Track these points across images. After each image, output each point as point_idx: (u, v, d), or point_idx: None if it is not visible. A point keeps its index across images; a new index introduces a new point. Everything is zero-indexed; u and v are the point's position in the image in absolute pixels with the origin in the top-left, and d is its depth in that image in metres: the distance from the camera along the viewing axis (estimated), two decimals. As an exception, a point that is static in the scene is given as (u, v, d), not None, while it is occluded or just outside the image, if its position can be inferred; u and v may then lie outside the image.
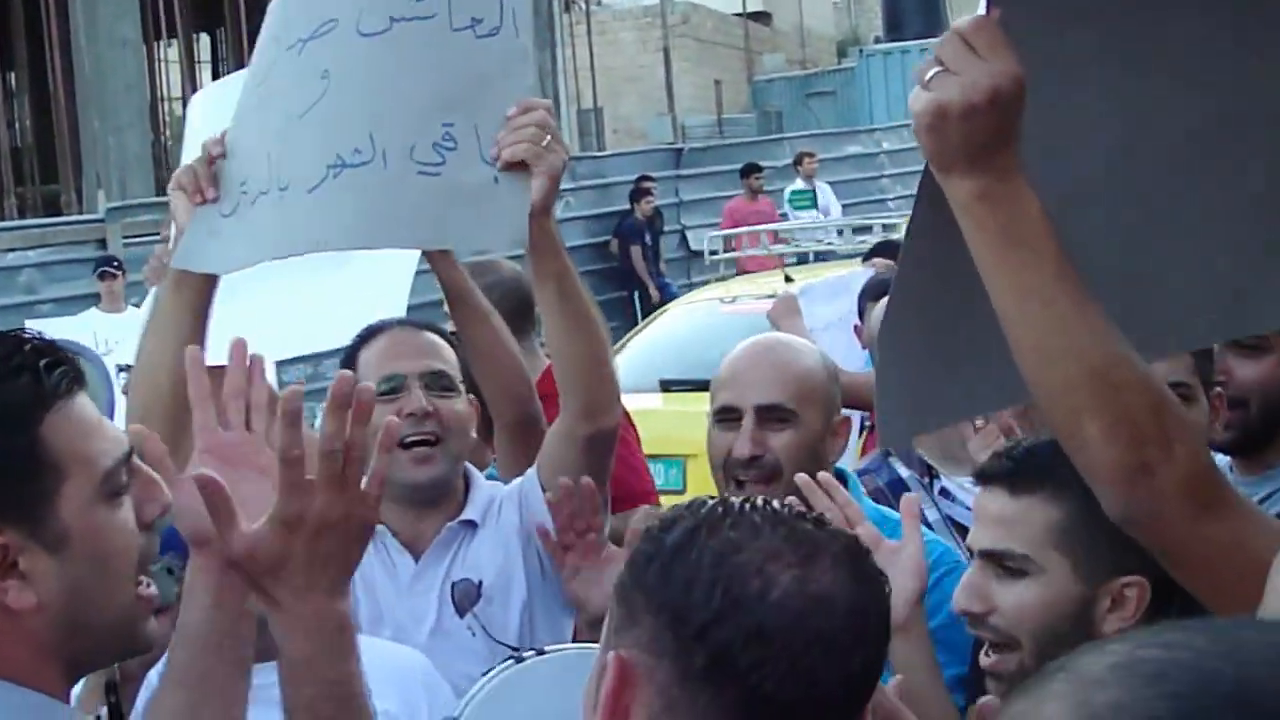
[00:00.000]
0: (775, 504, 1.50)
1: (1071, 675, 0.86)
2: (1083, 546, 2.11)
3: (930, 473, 3.56)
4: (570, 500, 2.96)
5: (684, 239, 20.41)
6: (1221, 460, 2.86)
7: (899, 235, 12.33)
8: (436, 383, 3.15)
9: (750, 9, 36.39)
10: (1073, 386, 1.75)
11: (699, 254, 20.40)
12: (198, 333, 2.64)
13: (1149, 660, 0.85)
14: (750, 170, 18.69)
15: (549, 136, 2.65)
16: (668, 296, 16.35)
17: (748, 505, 1.48)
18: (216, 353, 2.08)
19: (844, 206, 19.48)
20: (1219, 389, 2.79)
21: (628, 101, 32.47)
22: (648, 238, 18.48)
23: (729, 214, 18.35)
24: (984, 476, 2.25)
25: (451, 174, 2.67)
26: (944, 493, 3.50)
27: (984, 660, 2.21)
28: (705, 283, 19.50)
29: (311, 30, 2.71)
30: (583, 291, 2.85)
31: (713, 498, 1.51)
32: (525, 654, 2.63)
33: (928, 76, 1.75)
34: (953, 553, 2.87)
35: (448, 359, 3.22)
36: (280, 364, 5.17)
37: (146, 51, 20.82)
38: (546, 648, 2.69)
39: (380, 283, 3.93)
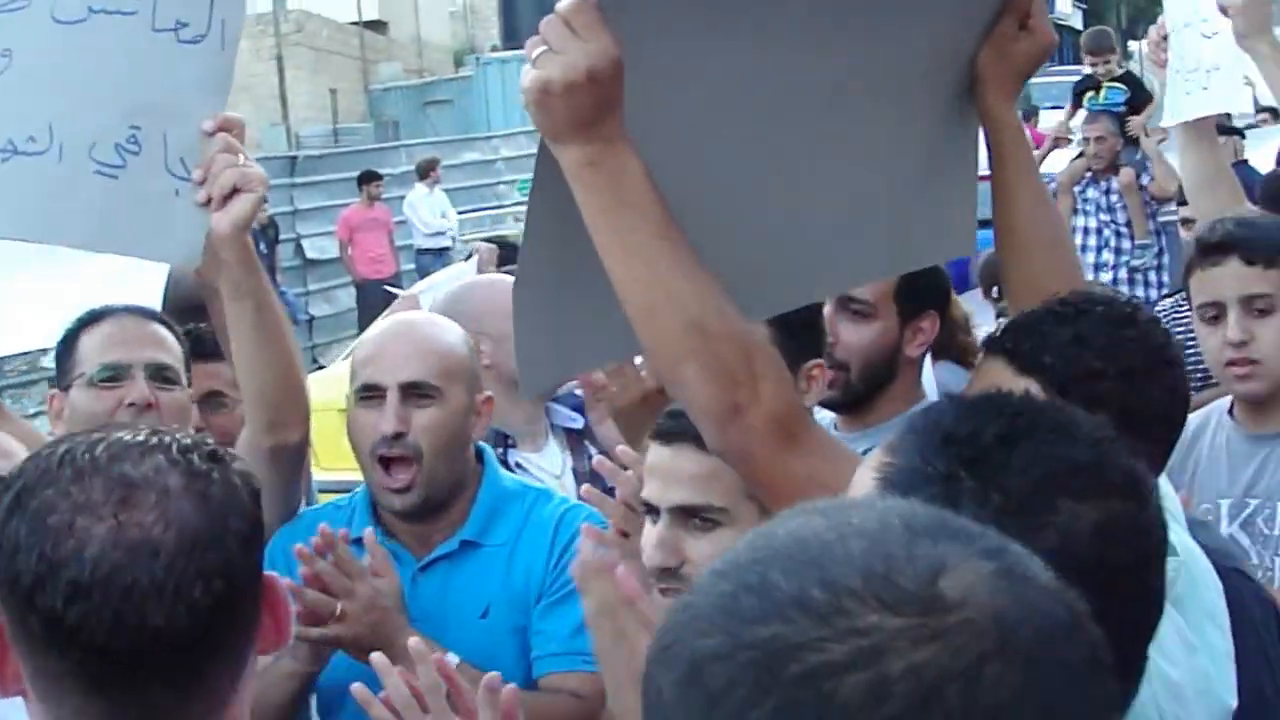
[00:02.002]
0: (111, 444, 1.50)
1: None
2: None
3: (506, 442, 3.65)
4: None
5: (299, 247, 20.27)
6: (828, 418, 3.03)
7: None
8: (159, 374, 3.06)
9: (366, 18, 36.25)
10: (674, 336, 1.88)
11: (316, 262, 20.29)
12: None
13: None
14: (368, 178, 18.66)
15: (242, 155, 2.60)
16: (284, 305, 16.14)
17: (77, 453, 1.48)
18: None
19: (460, 213, 19.69)
20: (828, 351, 2.88)
21: (241, 110, 31.18)
22: (262, 246, 18.22)
23: (344, 222, 18.33)
24: (668, 435, 2.28)
25: (131, 178, 2.57)
26: (519, 465, 3.59)
27: None
28: (323, 291, 19.62)
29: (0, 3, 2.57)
30: (277, 306, 2.78)
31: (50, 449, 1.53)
32: None
33: (534, 55, 1.86)
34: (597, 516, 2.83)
35: (172, 350, 3.12)
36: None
37: None
38: None
39: (128, 284, 3.60)
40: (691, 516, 2.24)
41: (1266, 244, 3.06)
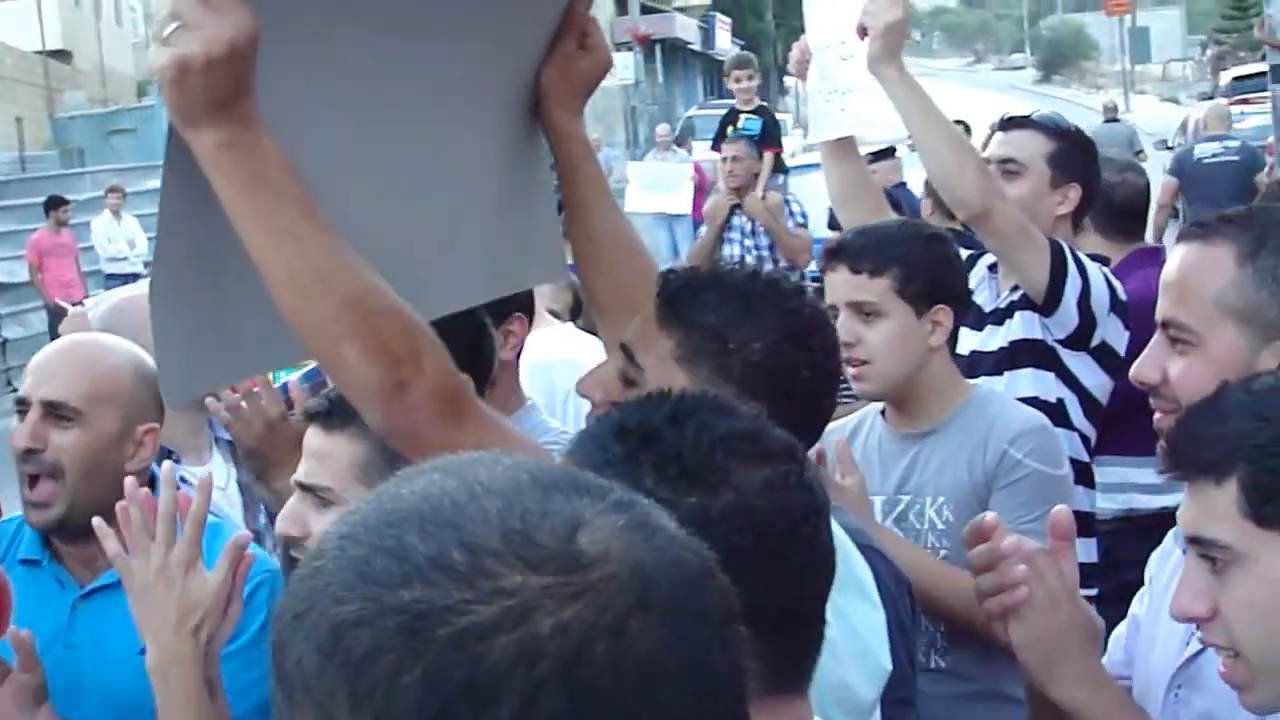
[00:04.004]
0: None
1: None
2: (380, 479, 2.52)
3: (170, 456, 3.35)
4: None
5: (-13, 271, 20.31)
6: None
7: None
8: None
9: (50, 47, 35.66)
10: (330, 317, 1.79)
11: (7, 286, 20.33)
12: None
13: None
14: (55, 204, 18.91)
15: None
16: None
17: None
18: None
19: (150, 238, 20.08)
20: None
21: (-78, 137, 31.18)
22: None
23: (33, 246, 18.61)
24: (307, 414, 2.38)
25: None
26: (183, 479, 3.48)
27: None
28: (16, 314, 19.58)
29: None
30: None
31: None
32: None
33: (166, 33, 1.73)
34: (267, 562, 2.75)
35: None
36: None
37: None
38: None
39: None
40: (312, 493, 2.34)
41: (872, 254, 3.14)
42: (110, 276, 19.26)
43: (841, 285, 3.16)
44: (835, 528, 2.06)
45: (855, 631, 1.96)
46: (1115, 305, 3.62)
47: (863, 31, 3.67)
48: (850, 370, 3.15)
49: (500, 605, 0.89)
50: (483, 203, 2.31)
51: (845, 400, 3.19)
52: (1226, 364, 2.04)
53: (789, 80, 52.49)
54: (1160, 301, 2.18)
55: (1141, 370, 2.19)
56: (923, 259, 3.17)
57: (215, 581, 2.24)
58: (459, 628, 0.89)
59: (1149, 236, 11.96)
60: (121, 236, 19.77)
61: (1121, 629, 2.25)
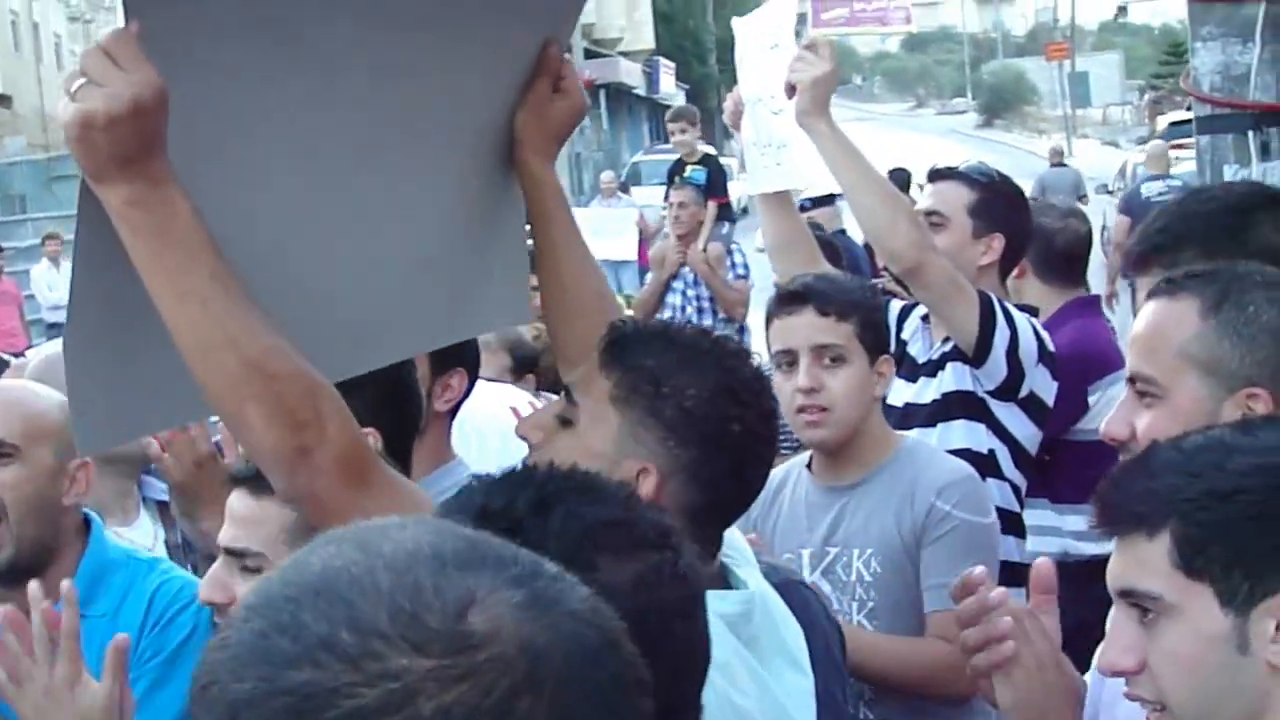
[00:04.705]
0: None
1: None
2: (306, 541, 2.61)
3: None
4: None
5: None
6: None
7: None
8: None
9: (-10, 92, 35.59)
10: (234, 379, 1.79)
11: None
12: None
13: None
14: (-7, 251, 18.83)
15: None
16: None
17: None
18: None
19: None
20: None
21: None
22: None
23: (-30, 293, 18.49)
24: (231, 478, 2.36)
25: None
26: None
27: None
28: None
29: None
30: None
31: None
32: None
33: (73, 88, 1.75)
34: (193, 586, 2.80)
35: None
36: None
37: None
38: None
39: None
40: (239, 558, 2.30)
41: (840, 298, 3.16)
42: (52, 326, 19.11)
43: (806, 328, 3.16)
44: (767, 590, 2.07)
45: (777, 702, 1.95)
46: (1043, 356, 3.65)
47: (790, 89, 3.69)
48: (805, 418, 3.16)
49: (385, 688, 0.90)
50: (448, 246, 2.30)
51: (785, 452, 3.21)
52: (1191, 415, 2.06)
53: (733, 124, 52.64)
54: (1129, 358, 2.22)
55: (1111, 427, 2.21)
56: (875, 309, 3.25)
57: (103, 692, 2.24)
58: (344, 710, 0.90)
59: (1105, 277, 12.16)
60: (61, 284, 19.58)
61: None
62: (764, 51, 3.98)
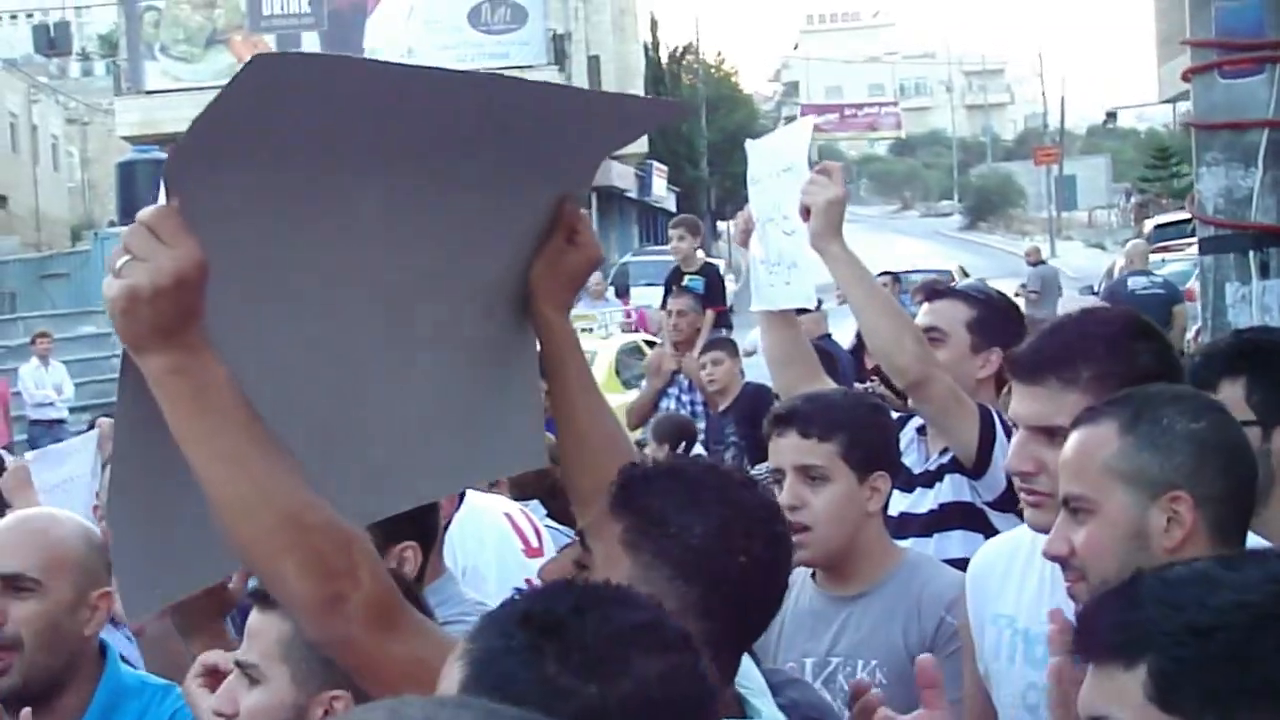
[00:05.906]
0: None
1: None
2: (302, 659, 2.36)
3: None
4: None
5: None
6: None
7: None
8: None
9: (-17, 191, 35.76)
10: (269, 533, 1.85)
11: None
12: None
13: None
14: (-19, 350, 18.85)
15: None
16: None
17: None
18: None
19: (77, 384, 19.99)
20: None
21: None
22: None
23: (-37, 391, 18.51)
24: (250, 594, 2.45)
25: None
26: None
27: None
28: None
29: None
30: None
31: None
32: None
33: (118, 265, 1.82)
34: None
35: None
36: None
37: None
38: None
39: None
40: (245, 669, 2.42)
41: (821, 420, 3.25)
42: (35, 423, 19.15)
43: (790, 449, 3.26)
44: (770, 715, 2.09)
45: None
46: None
47: (805, 212, 3.78)
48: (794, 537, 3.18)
49: None
50: (466, 392, 2.38)
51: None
52: (1121, 524, 2.25)
53: (721, 224, 52.87)
54: (1060, 482, 2.37)
55: (1051, 546, 2.35)
56: (866, 427, 3.29)
57: None
58: None
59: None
60: (49, 382, 19.67)
61: None
62: (777, 173, 4.07)
